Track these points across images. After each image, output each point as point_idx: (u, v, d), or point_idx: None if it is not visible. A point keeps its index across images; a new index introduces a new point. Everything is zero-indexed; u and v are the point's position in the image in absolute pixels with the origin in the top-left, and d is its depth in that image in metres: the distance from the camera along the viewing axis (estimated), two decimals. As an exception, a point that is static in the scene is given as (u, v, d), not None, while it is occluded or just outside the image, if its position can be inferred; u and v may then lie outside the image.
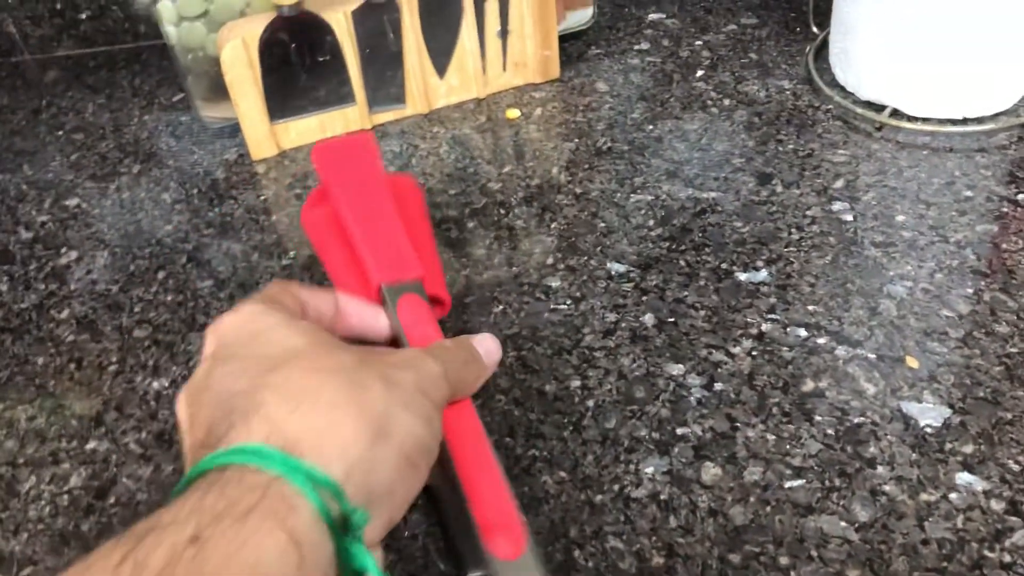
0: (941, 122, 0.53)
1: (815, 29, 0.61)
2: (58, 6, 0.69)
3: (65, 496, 0.40)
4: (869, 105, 0.54)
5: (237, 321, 0.32)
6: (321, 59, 0.55)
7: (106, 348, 0.47)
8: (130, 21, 0.71)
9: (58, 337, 0.48)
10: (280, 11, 0.53)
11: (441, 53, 0.58)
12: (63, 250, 0.53)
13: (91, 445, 0.42)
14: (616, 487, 0.37)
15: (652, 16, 0.66)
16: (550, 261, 0.48)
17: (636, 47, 0.63)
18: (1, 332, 0.48)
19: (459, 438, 0.34)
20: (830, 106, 0.56)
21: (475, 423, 0.35)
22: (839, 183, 0.50)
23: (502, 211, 0.52)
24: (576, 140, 0.56)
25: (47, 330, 0.48)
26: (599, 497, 0.36)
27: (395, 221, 0.42)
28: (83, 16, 0.70)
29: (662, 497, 0.36)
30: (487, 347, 0.38)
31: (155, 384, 0.44)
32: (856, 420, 0.38)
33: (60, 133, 0.63)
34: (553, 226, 0.50)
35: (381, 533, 0.29)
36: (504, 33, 0.58)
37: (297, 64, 0.55)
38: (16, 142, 0.63)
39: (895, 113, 0.53)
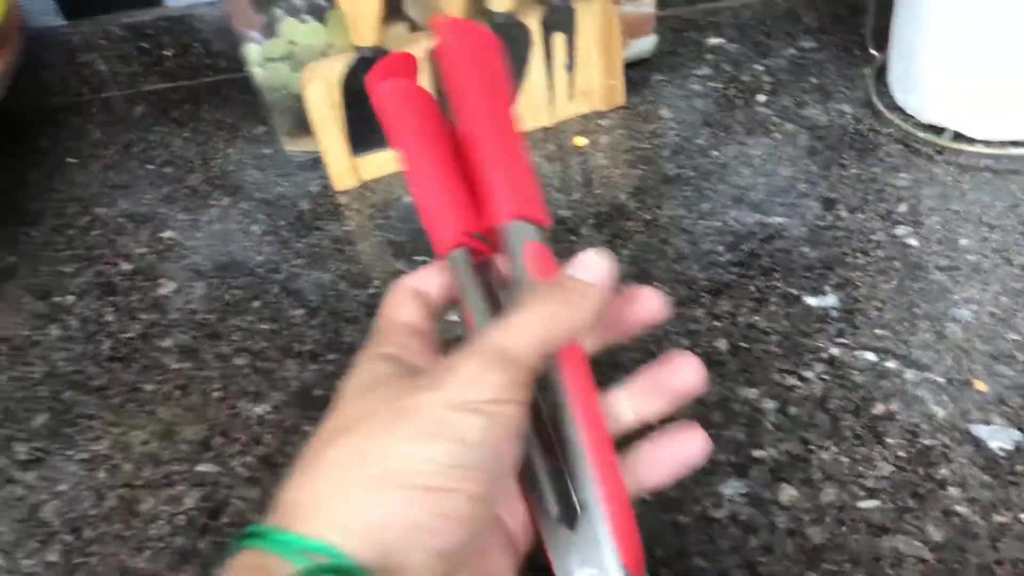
0: (1003, 144, 0.54)
1: (874, 52, 0.62)
2: (145, 45, 0.73)
3: (182, 516, 0.43)
4: (930, 128, 0.56)
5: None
6: (399, 95, 0.58)
7: (209, 375, 0.50)
8: (210, 57, 0.74)
9: (164, 365, 0.51)
10: (360, 52, 0.56)
11: (513, 82, 0.60)
12: (162, 281, 0.57)
13: (201, 468, 0.45)
14: (698, 508, 0.39)
15: (712, 41, 0.68)
16: (622, 288, 0.50)
17: (697, 72, 0.65)
18: (112, 360, 0.52)
19: (572, 402, 0.30)
20: (891, 129, 0.57)
21: (586, 388, 0.30)
22: (902, 207, 0.52)
23: (572, 237, 0.54)
24: (643, 167, 0.58)
25: (153, 358, 0.52)
26: (681, 518, 0.39)
27: (522, 144, 0.34)
28: (168, 53, 0.74)
29: (742, 518, 0.38)
30: (589, 266, 0.32)
31: (257, 409, 0.48)
32: (927, 442, 0.40)
33: (151, 167, 0.67)
34: (624, 252, 0.52)
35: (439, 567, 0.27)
36: (571, 65, 0.61)
37: (376, 100, 0.58)
38: (111, 176, 0.67)
39: (957, 136, 0.55)
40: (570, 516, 0.29)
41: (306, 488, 0.27)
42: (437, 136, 0.35)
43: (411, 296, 0.34)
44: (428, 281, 0.34)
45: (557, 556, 0.30)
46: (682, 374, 0.32)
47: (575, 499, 0.29)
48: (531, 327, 0.29)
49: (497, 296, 0.33)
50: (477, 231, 0.33)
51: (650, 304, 0.34)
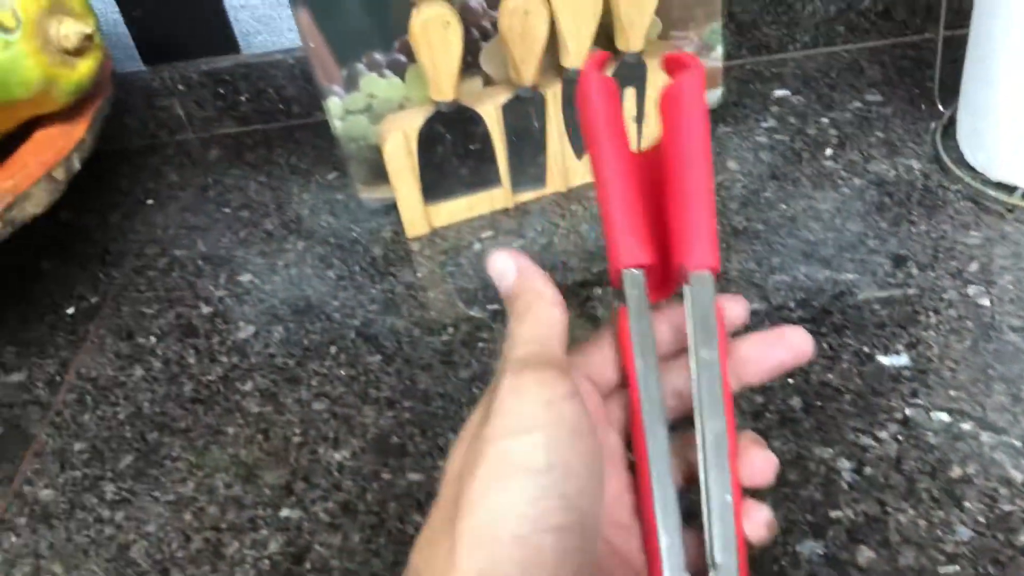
0: (1075, 203, 0.54)
1: (941, 107, 0.63)
2: (220, 91, 0.76)
3: (266, 560, 0.45)
4: (1000, 186, 0.56)
5: None
6: (472, 147, 0.60)
7: (289, 420, 0.52)
8: (284, 103, 0.76)
9: (245, 409, 0.53)
10: (437, 106, 0.58)
11: (580, 137, 0.62)
12: (241, 324, 0.59)
13: (284, 513, 0.47)
14: (775, 567, 0.40)
15: (777, 93, 0.69)
16: (695, 341, 0.51)
17: (763, 125, 0.66)
18: (194, 402, 0.54)
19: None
20: (960, 186, 0.58)
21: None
22: (973, 266, 0.52)
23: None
24: (711, 219, 0.59)
25: (234, 401, 0.53)
26: (760, 577, 0.39)
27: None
28: (243, 98, 0.76)
29: (821, 579, 0.39)
30: (497, 271, 0.34)
31: (336, 456, 0.49)
32: (1006, 508, 0.40)
33: (227, 210, 0.69)
34: (695, 306, 0.53)
35: None
36: (640, 117, 0.62)
37: (450, 152, 0.60)
38: (189, 218, 0.69)
39: (1028, 194, 0.55)
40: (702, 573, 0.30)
41: (432, 543, 0.28)
42: (628, 149, 0.35)
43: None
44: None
45: None
46: (790, 341, 0.33)
47: (711, 557, 0.29)
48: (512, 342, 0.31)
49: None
50: (651, 261, 0.33)
51: (797, 343, 0.33)
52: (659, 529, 0.30)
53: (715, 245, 0.32)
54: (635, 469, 0.32)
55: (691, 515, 0.30)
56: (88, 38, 0.56)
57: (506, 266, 0.33)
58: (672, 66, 0.36)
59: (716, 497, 0.30)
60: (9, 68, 0.53)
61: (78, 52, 0.57)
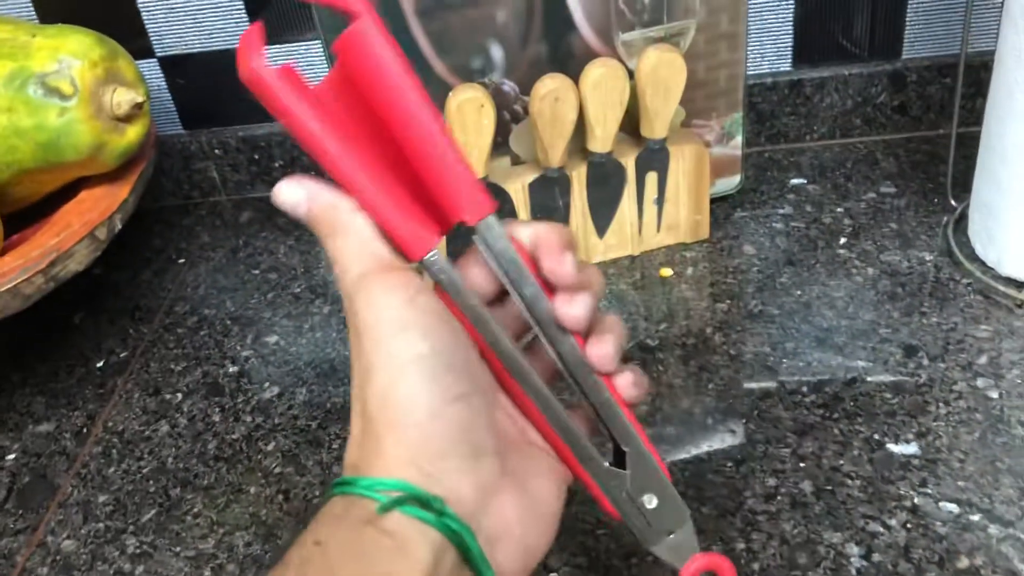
0: (1083, 301, 0.56)
1: (953, 202, 0.65)
2: (255, 156, 0.79)
3: (282, 621, 0.45)
4: (1010, 281, 0.58)
5: None
6: (498, 222, 0.62)
7: (309, 481, 0.53)
8: (315, 170, 0.79)
9: (266, 468, 0.54)
10: (467, 182, 0.60)
11: (602, 217, 0.64)
12: (266, 385, 0.60)
13: (302, 574, 0.48)
14: (784, 651, 0.40)
15: (794, 181, 0.71)
16: (709, 422, 0.52)
17: (780, 211, 0.68)
18: (217, 460, 0.55)
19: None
20: (970, 280, 0.59)
21: None
22: (983, 359, 0.54)
23: (660, 368, 0.56)
24: (728, 301, 0.61)
25: (256, 461, 0.55)
26: (769, 660, 0.40)
27: (444, 125, 0.35)
28: (276, 164, 0.79)
29: (829, 665, 0.39)
30: (288, 202, 0.34)
31: (355, 519, 0.50)
32: (1013, 601, 0.41)
33: (256, 272, 0.71)
34: (711, 387, 0.55)
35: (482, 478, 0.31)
36: (660, 201, 0.64)
37: (477, 226, 0.62)
38: (219, 279, 0.71)
39: (1037, 291, 0.57)
40: (619, 459, 0.36)
41: (361, 446, 0.31)
42: (351, 132, 0.32)
43: None
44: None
45: (612, 494, 0.36)
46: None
47: (619, 445, 0.35)
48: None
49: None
50: (437, 230, 0.33)
51: (628, 385, 0.35)
52: (565, 438, 0.35)
53: (480, 189, 0.33)
54: (524, 410, 0.36)
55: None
56: (139, 106, 0.59)
57: (295, 194, 0.34)
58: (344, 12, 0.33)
59: (595, 398, 0.35)
60: (64, 132, 0.56)
61: (128, 119, 0.59)
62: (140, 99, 0.58)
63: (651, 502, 0.36)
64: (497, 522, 0.32)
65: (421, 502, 0.29)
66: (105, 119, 0.58)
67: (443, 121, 0.33)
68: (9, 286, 0.52)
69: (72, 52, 0.57)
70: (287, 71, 0.31)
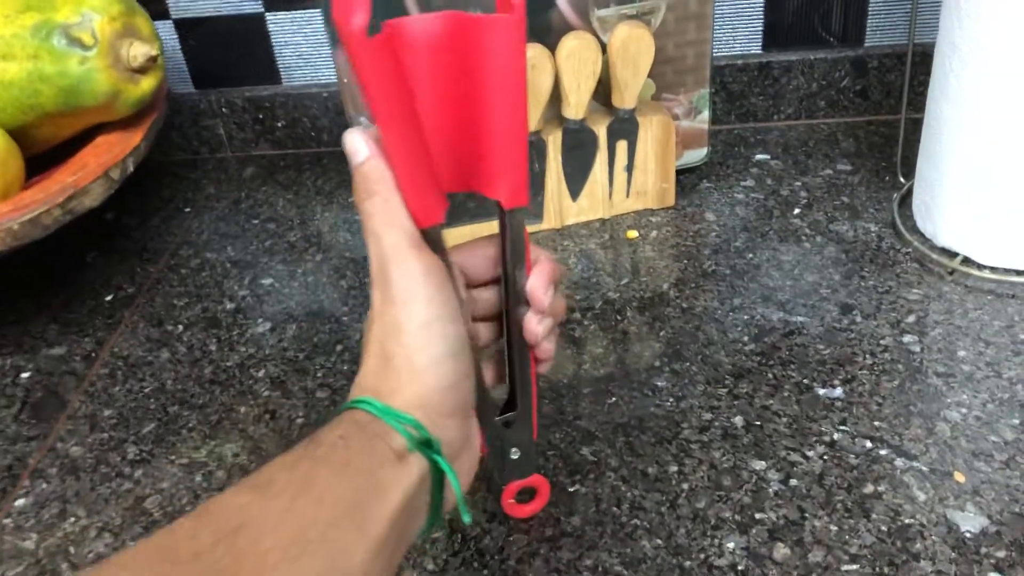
0: (1007, 271, 0.61)
1: (902, 179, 0.70)
2: (260, 116, 0.84)
3: (263, 519, 0.51)
4: (944, 252, 0.63)
5: None
6: (478, 180, 0.67)
7: (294, 404, 0.58)
8: (315, 131, 0.85)
9: (256, 392, 0.60)
10: (450, 141, 0.65)
11: (575, 181, 0.69)
12: (259, 320, 0.66)
13: (283, 481, 0.53)
14: (702, 556, 0.46)
15: (758, 156, 0.77)
16: (657, 364, 0.58)
17: (742, 183, 0.73)
18: (212, 384, 0.61)
19: None
20: (909, 250, 0.64)
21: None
22: (911, 318, 0.59)
23: (618, 317, 0.62)
24: (685, 261, 0.66)
25: (247, 385, 0.60)
26: (687, 563, 0.45)
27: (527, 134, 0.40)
28: (279, 124, 0.84)
29: (739, 568, 0.45)
30: (350, 148, 0.39)
31: (333, 437, 0.55)
32: (907, 521, 0.46)
33: (256, 222, 0.77)
34: (661, 334, 0.60)
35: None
36: (630, 168, 0.69)
37: (459, 183, 0.67)
38: (221, 227, 0.77)
39: (966, 260, 0.62)
40: (507, 407, 0.45)
41: (379, 377, 0.38)
42: (409, 97, 0.37)
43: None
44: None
45: (491, 440, 0.45)
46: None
47: (515, 399, 0.45)
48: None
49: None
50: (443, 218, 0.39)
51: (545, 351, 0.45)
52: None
53: (526, 184, 0.40)
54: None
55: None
56: (152, 59, 0.64)
57: (359, 146, 0.38)
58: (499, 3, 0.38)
59: (519, 364, 0.44)
60: (83, 79, 0.61)
61: (142, 71, 0.65)
62: (154, 52, 0.64)
63: (515, 454, 0.46)
64: (459, 470, 0.40)
65: (425, 441, 0.37)
66: (121, 69, 0.64)
67: (525, 126, 0.40)
68: (30, 216, 0.58)
69: (93, 6, 0.62)
70: (379, 40, 0.35)
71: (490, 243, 0.44)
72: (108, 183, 0.62)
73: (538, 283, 0.43)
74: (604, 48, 0.64)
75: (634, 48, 0.63)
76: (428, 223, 0.38)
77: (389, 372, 0.38)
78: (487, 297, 0.45)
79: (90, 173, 0.61)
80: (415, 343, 0.38)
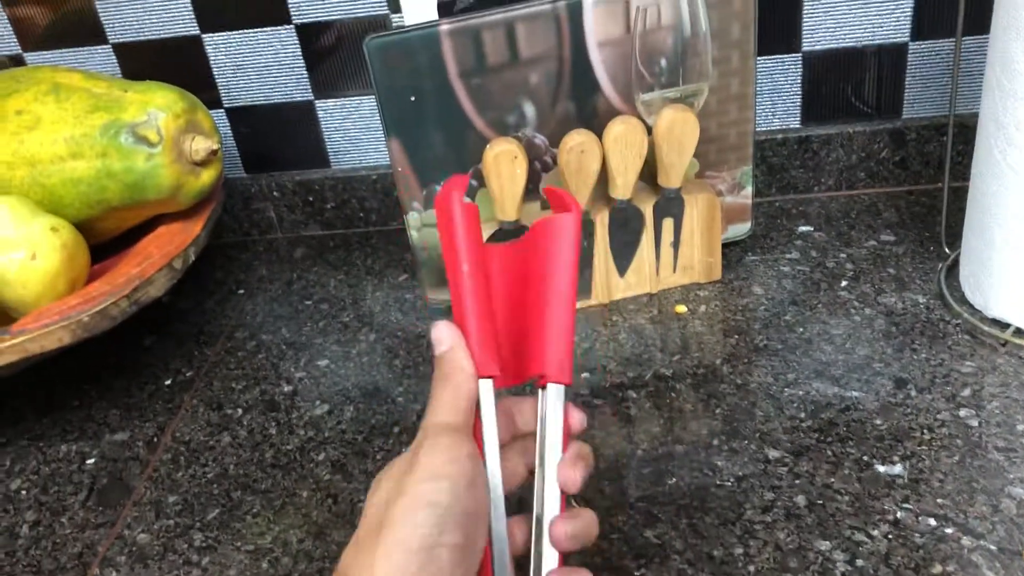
0: (1060, 342, 0.61)
1: (947, 250, 0.70)
2: (310, 198, 0.87)
3: (331, 606, 0.51)
4: (995, 323, 0.63)
5: None
6: (529, 260, 0.69)
7: (356, 487, 0.59)
8: (364, 212, 0.87)
9: (317, 476, 0.61)
10: (501, 224, 0.67)
11: (623, 257, 0.70)
12: (317, 403, 0.67)
13: (348, 567, 0.54)
14: (773, 641, 0.46)
15: (801, 228, 0.78)
16: (715, 442, 0.58)
17: (787, 256, 0.74)
18: (273, 468, 0.62)
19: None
20: (959, 321, 0.65)
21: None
22: (966, 391, 0.59)
23: (673, 395, 0.62)
24: (736, 336, 0.67)
25: (308, 469, 0.61)
26: (759, 648, 0.45)
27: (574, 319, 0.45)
28: (328, 205, 0.87)
29: (812, 653, 0.45)
30: (435, 338, 0.43)
31: (396, 521, 0.56)
32: (979, 602, 0.46)
33: (309, 303, 0.79)
34: (717, 411, 0.60)
35: None
36: (676, 244, 0.70)
37: (509, 264, 0.69)
38: (275, 308, 0.79)
39: (1018, 331, 0.62)
40: None
41: (357, 553, 0.38)
42: (485, 265, 0.45)
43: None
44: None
45: None
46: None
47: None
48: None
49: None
50: (499, 372, 0.43)
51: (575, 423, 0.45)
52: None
53: (570, 362, 0.44)
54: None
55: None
56: (213, 153, 0.67)
57: (443, 335, 0.43)
58: (554, 201, 0.47)
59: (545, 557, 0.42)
60: (149, 175, 0.64)
61: (203, 163, 0.67)
62: (215, 147, 0.66)
63: None
64: None
65: None
66: (184, 163, 0.66)
67: (573, 309, 0.44)
68: (99, 308, 0.60)
69: (159, 105, 0.65)
70: (470, 208, 0.44)
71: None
72: (171, 273, 0.64)
73: (572, 477, 0.42)
74: (649, 130, 0.66)
75: (679, 131, 0.65)
76: (482, 375, 0.43)
77: (366, 546, 0.37)
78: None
79: (154, 264, 0.63)
80: (405, 518, 0.37)
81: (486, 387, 0.43)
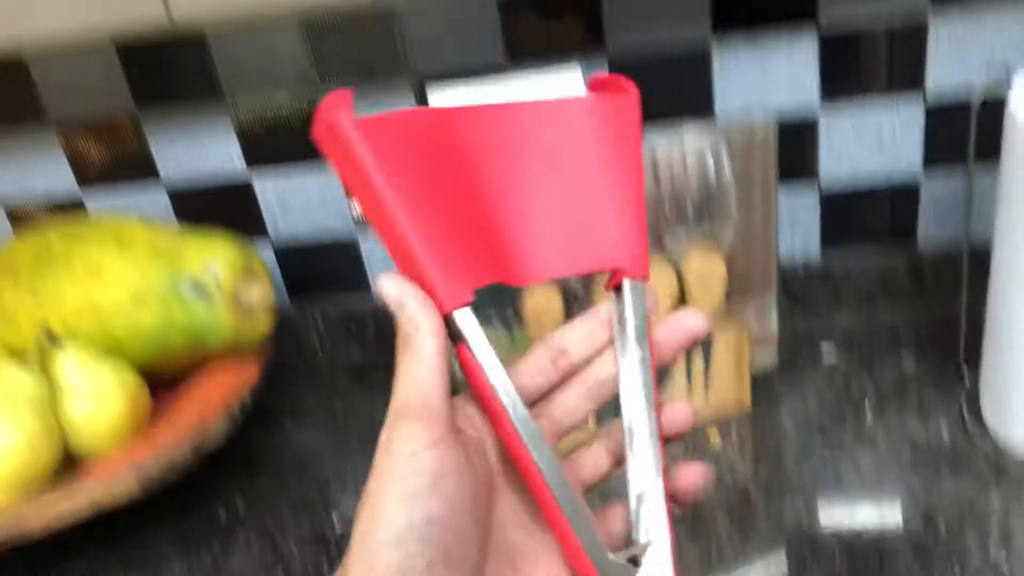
0: (1082, 474, 0.64)
1: (966, 380, 0.73)
2: (351, 326, 0.91)
3: None
4: (1020, 453, 0.66)
5: None
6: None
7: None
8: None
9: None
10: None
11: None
12: (366, 537, 0.70)
13: None
14: None
15: (826, 356, 0.81)
16: (752, 572, 0.60)
17: (813, 384, 0.77)
18: (328, 606, 0.64)
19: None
20: (985, 449, 0.67)
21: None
22: (994, 527, 0.61)
23: (710, 524, 0.65)
24: (768, 469, 0.69)
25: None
26: None
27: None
28: (369, 331, 0.91)
29: None
30: (385, 296, 0.35)
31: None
32: None
33: (354, 431, 0.82)
34: (757, 546, 0.63)
35: None
36: (707, 377, 0.74)
37: (548, 398, 0.72)
38: (321, 437, 0.82)
39: (1041, 463, 0.65)
40: (634, 555, 0.34)
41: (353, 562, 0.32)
42: (421, 183, 0.35)
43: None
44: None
45: None
46: (686, 324, 0.38)
47: (638, 534, 0.34)
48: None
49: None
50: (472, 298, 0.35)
51: (692, 325, 0.38)
52: (568, 517, 0.34)
53: (647, 257, 0.37)
54: (528, 485, 0.35)
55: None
56: (268, 301, 0.71)
57: (388, 291, 0.35)
58: (602, 86, 0.39)
59: (645, 479, 0.34)
60: (210, 326, 0.68)
61: (258, 310, 0.72)
62: (271, 297, 0.70)
63: None
64: None
65: None
66: (241, 312, 0.70)
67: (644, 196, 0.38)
68: (166, 460, 0.63)
69: (216, 256, 0.70)
70: (362, 123, 0.34)
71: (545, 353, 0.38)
72: (231, 420, 0.67)
73: (670, 337, 0.37)
74: (678, 269, 0.69)
75: (707, 272, 0.69)
76: (451, 308, 0.34)
77: (344, 568, 0.32)
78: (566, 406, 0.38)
79: (213, 410, 0.67)
80: (377, 543, 0.31)
81: (465, 318, 0.34)
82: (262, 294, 0.70)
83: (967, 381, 0.73)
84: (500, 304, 0.71)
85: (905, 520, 0.63)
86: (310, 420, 0.85)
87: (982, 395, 0.69)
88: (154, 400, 0.74)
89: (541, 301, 0.68)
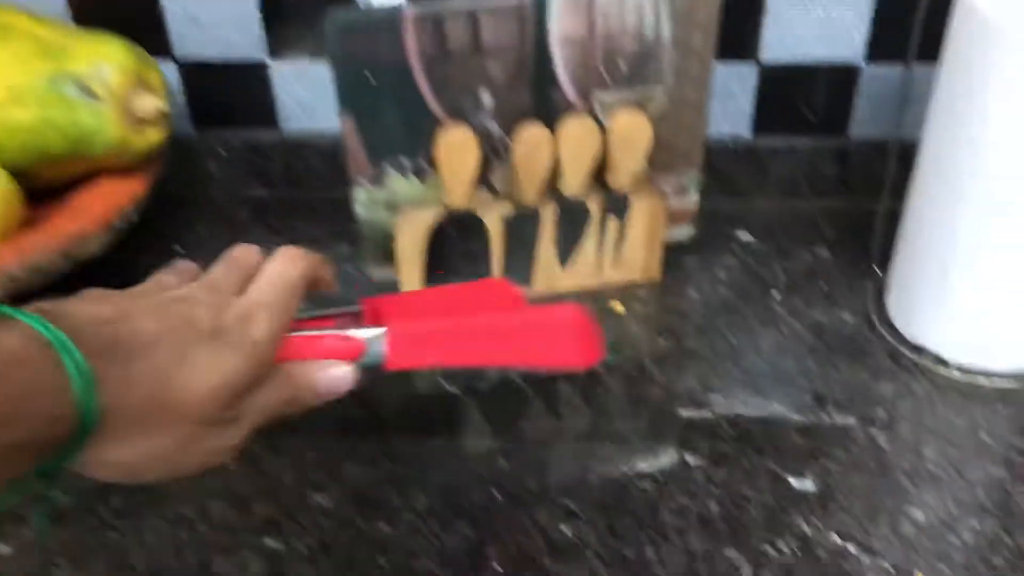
0: (974, 373, 0.64)
1: (879, 272, 0.73)
2: (256, 159, 0.85)
3: (249, 581, 0.52)
4: (916, 348, 0.66)
5: None
6: (474, 247, 0.69)
7: (284, 463, 0.59)
8: (310, 177, 0.86)
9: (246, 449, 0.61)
10: (450, 211, 0.67)
11: (567, 251, 0.71)
12: (249, 372, 0.67)
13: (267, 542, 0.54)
14: (676, 644, 0.48)
15: (741, 236, 0.79)
16: (640, 447, 0.60)
17: (725, 262, 0.76)
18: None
19: None
20: (883, 342, 0.67)
21: None
22: (881, 413, 0.62)
23: (601, 390, 0.64)
24: (668, 339, 0.68)
25: (236, 439, 0.61)
26: (662, 650, 0.47)
27: None
28: (275, 168, 0.86)
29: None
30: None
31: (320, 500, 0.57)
32: (870, 619, 0.49)
33: (248, 267, 0.78)
34: (643, 412, 0.62)
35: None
36: (619, 242, 0.72)
37: (455, 248, 0.69)
38: (213, 270, 0.78)
39: (936, 358, 0.65)
40: None
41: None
42: None
43: None
44: None
45: None
46: None
47: None
48: None
49: None
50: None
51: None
52: None
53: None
54: None
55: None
56: (162, 113, 0.65)
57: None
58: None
59: None
60: (93, 129, 0.62)
61: (151, 123, 0.66)
62: (164, 107, 0.65)
63: None
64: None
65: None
66: (131, 121, 0.65)
67: None
68: (33, 263, 0.59)
69: (108, 58, 0.63)
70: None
71: None
72: (111, 232, 0.63)
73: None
74: (603, 130, 0.66)
75: (632, 134, 0.66)
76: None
77: None
78: None
79: (93, 221, 0.62)
80: None
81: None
82: (156, 104, 0.65)
83: (878, 275, 0.73)
84: (412, 152, 0.67)
85: (797, 403, 0.62)
86: (200, 249, 0.80)
87: (890, 290, 0.69)
88: (33, 210, 0.69)
89: (456, 148, 0.64)
